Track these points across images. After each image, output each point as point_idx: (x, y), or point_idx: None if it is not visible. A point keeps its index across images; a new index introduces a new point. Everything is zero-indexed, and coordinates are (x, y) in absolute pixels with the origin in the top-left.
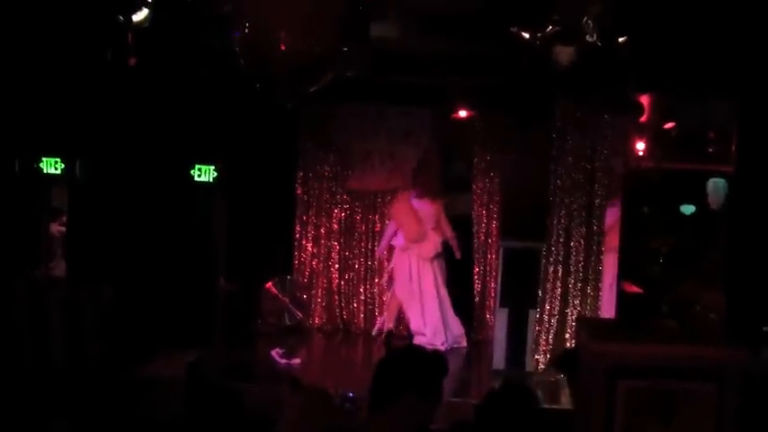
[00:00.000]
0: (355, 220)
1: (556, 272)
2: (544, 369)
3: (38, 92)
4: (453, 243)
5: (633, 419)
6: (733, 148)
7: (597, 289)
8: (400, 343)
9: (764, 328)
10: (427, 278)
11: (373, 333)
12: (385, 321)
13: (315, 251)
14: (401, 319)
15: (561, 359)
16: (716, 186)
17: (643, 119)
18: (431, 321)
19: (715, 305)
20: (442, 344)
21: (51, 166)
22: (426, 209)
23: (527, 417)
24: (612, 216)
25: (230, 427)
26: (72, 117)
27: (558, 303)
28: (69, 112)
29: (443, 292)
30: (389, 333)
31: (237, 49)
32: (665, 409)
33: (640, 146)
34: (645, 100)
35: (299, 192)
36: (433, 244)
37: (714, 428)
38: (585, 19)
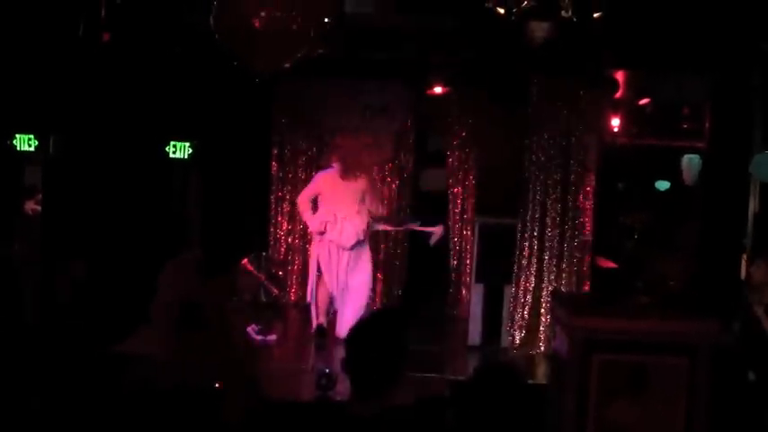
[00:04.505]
0: None
1: (531, 247)
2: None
3: (10, 68)
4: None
5: (606, 392)
6: (707, 124)
7: (572, 264)
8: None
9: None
10: (341, 267)
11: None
12: (317, 316)
13: (290, 228)
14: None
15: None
16: (690, 162)
17: (618, 95)
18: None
19: (688, 280)
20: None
21: (25, 143)
22: (350, 186)
23: (515, 394)
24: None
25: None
26: (45, 93)
27: (533, 279)
28: (43, 89)
29: (355, 283)
30: (319, 328)
31: (212, 24)
32: (638, 382)
33: (615, 122)
34: (620, 76)
35: (274, 168)
36: (354, 230)
37: (686, 401)
38: None
